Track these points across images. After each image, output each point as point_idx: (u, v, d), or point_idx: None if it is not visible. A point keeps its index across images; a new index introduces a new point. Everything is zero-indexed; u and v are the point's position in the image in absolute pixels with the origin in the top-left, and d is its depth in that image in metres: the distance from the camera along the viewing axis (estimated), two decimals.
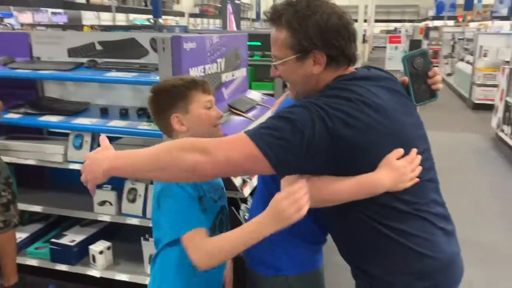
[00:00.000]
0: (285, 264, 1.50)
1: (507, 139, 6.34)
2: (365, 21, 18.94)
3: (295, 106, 1.20)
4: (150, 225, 2.61)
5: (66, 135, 2.76)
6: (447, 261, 1.31)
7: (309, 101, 1.19)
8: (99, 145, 2.68)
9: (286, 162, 1.14)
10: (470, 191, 4.94)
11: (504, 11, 15.41)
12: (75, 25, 8.07)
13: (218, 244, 1.29)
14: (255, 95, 3.22)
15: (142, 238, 2.64)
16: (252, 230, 1.22)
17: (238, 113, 2.69)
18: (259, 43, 4.27)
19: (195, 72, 2.41)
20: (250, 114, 2.75)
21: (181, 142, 1.21)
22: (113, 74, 2.61)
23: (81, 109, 2.83)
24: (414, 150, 1.26)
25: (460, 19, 19.25)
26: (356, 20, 18.88)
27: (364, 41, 18.00)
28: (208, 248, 1.28)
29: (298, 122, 1.14)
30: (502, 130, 6.61)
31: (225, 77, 2.78)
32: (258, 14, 20.82)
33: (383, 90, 1.29)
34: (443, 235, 1.32)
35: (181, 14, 19.78)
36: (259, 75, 4.27)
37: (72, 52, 2.89)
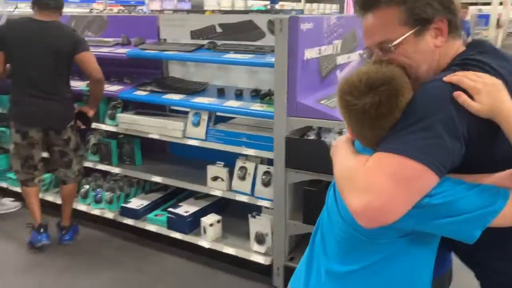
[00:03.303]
0: None
1: None
2: (501, 3, 16.99)
3: (427, 98, 1.05)
4: (258, 203, 2.71)
5: (186, 112, 2.94)
6: None
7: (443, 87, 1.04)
8: (215, 123, 2.83)
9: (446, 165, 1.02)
10: None
11: None
12: (197, 10, 8.55)
13: None
14: None
15: (249, 215, 2.73)
16: None
17: None
18: None
19: (310, 54, 2.39)
20: None
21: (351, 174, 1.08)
22: (231, 56, 2.70)
23: (200, 89, 2.99)
24: None
25: None
26: (489, 3, 17.06)
27: (498, 26, 16.18)
28: None
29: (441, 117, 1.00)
30: None
31: (341, 59, 2.71)
32: None
33: None
34: None
35: None
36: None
37: (194, 34, 3.05)
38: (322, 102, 2.39)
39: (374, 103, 1.05)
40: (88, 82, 3.04)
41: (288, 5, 19.97)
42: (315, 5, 23.23)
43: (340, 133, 2.50)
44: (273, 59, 2.40)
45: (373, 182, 0.99)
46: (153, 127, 2.99)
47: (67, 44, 2.84)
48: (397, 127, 1.05)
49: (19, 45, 2.83)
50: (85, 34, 3.49)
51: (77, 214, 3.32)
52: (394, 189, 0.98)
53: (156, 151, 3.39)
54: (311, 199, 2.43)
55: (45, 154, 3.15)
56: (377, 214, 0.98)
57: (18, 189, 3.33)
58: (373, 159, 1.05)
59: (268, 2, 13.98)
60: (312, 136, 2.46)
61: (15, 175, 3.15)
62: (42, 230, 3.06)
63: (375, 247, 1.12)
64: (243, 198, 2.73)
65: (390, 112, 1.05)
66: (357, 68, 1.15)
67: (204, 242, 2.87)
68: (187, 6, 12.35)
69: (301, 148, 2.40)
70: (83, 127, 3.12)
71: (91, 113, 3.05)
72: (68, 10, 3.97)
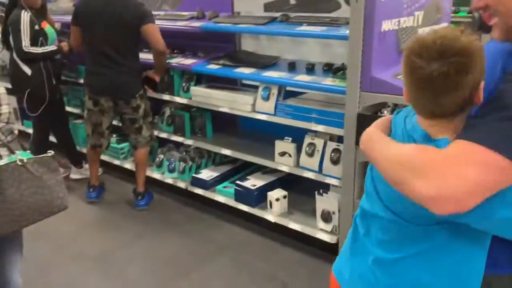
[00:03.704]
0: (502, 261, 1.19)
1: None
2: None
3: None
4: (326, 181, 2.65)
5: (257, 87, 2.92)
6: None
7: None
8: (285, 98, 2.79)
9: None
10: None
11: None
12: None
13: None
14: None
15: (316, 193, 2.68)
16: None
17: None
18: None
19: (388, 26, 2.24)
20: None
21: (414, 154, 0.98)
22: (303, 28, 2.62)
23: (271, 62, 2.95)
24: None
25: None
26: None
27: None
28: None
29: None
30: None
31: (422, 32, 2.51)
32: None
33: None
34: None
35: None
36: None
37: (268, 6, 3.00)
38: (399, 77, 2.25)
39: (442, 72, 0.92)
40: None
41: None
42: None
43: None
44: (347, 31, 2.29)
45: (452, 170, 0.91)
46: (224, 101, 3.02)
47: (133, 16, 2.96)
48: (490, 116, 0.94)
49: (90, 19, 3.02)
50: (162, 8, 3.58)
51: (152, 181, 3.49)
52: (473, 179, 0.89)
53: (226, 125, 3.44)
54: None
55: (115, 122, 3.37)
56: (453, 201, 0.90)
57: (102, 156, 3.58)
58: (455, 146, 0.94)
59: None
60: (386, 113, 2.34)
61: (86, 139, 3.42)
62: (91, 189, 3.47)
63: (419, 234, 1.05)
64: (310, 175, 2.69)
65: (455, 88, 0.93)
66: (435, 29, 1.04)
67: (270, 216, 2.88)
68: None
69: None
70: (151, 91, 3.30)
71: (157, 78, 3.22)
72: None
